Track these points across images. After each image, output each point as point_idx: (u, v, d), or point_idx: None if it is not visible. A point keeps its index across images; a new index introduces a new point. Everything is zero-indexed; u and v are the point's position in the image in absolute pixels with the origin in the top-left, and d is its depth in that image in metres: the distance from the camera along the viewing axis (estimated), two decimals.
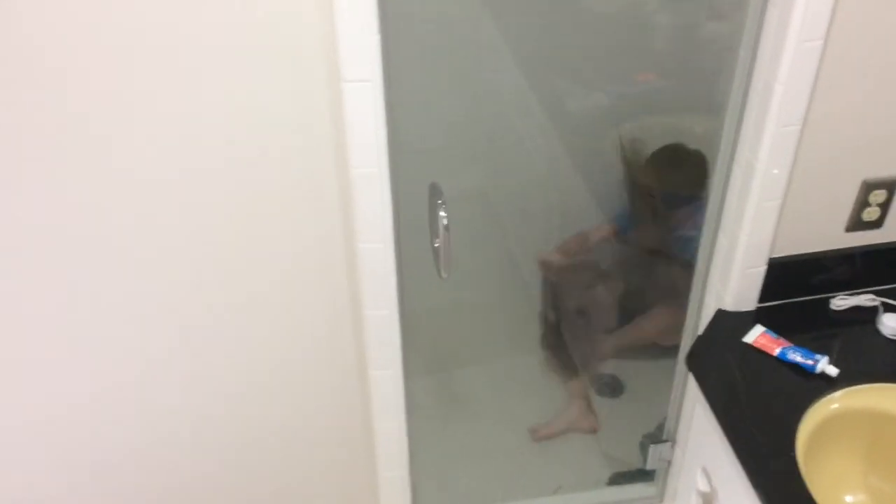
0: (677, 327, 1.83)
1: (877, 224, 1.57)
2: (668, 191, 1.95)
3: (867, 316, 1.59)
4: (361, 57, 1.22)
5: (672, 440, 1.91)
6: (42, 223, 1.29)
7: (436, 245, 1.49)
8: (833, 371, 1.46)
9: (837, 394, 1.45)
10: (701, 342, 1.62)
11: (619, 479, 2.11)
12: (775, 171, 1.45)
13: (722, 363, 1.53)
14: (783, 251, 1.57)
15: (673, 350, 1.85)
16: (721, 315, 1.62)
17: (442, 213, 1.43)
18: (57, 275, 1.34)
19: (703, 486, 1.65)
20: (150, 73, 1.19)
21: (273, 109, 1.27)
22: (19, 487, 1.55)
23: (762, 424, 1.40)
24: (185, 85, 1.22)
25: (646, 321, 2.07)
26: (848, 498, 1.48)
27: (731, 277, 1.58)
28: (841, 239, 1.58)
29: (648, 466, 1.98)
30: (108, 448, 1.57)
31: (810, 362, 1.47)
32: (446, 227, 1.44)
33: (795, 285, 1.62)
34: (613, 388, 2.26)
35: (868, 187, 1.52)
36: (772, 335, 1.55)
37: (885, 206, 1.55)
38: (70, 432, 1.52)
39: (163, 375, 1.51)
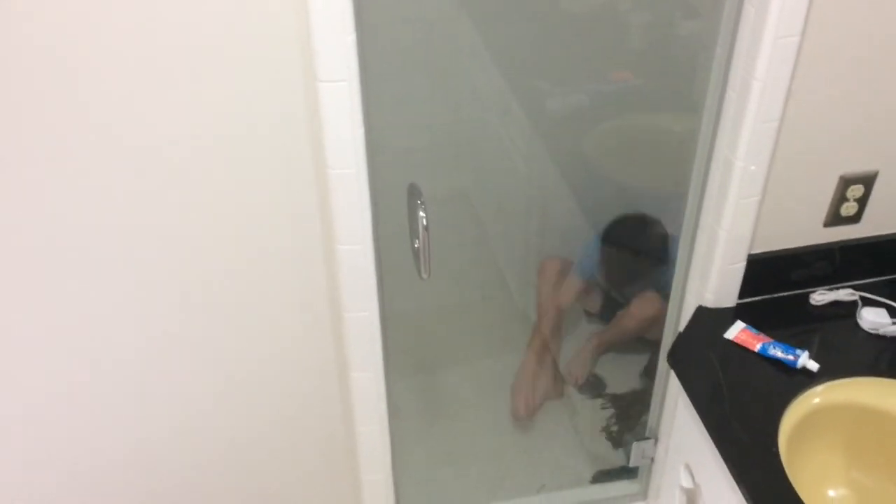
0: (659, 318, 1.84)
1: (855, 219, 1.58)
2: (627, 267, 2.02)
3: (847, 310, 1.60)
4: (337, 56, 1.20)
5: (655, 437, 1.91)
6: (20, 224, 1.27)
7: (416, 246, 1.48)
8: (814, 366, 1.47)
9: (819, 388, 1.45)
10: (682, 339, 1.62)
11: (602, 476, 2.11)
12: (753, 168, 1.45)
13: (703, 359, 1.54)
14: (762, 247, 1.57)
15: (654, 346, 1.85)
16: (701, 311, 1.62)
17: (421, 214, 1.42)
18: (34, 275, 1.32)
19: (686, 482, 1.65)
20: (122, 74, 1.18)
21: (249, 110, 1.26)
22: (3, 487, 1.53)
23: (744, 420, 1.40)
24: (157, 85, 1.20)
25: (627, 317, 2.07)
26: (831, 492, 1.49)
27: (710, 274, 1.58)
28: (820, 234, 1.59)
29: (631, 464, 1.98)
30: (85, 452, 1.54)
31: (791, 357, 1.48)
32: (426, 228, 1.43)
33: (775, 281, 1.62)
34: (595, 385, 2.26)
35: (845, 182, 1.53)
36: (752, 331, 1.55)
37: (862, 201, 1.56)
38: (46, 433, 1.50)
39: (139, 379, 1.49)
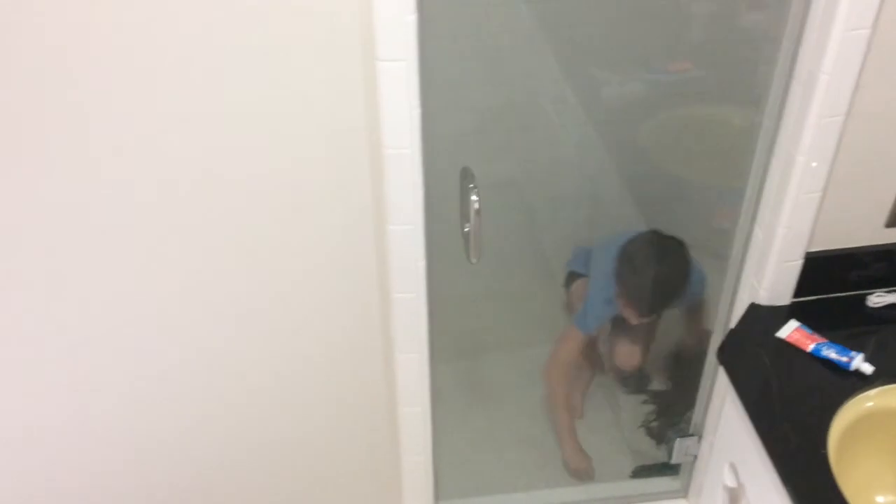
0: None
1: None
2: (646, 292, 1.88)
3: None
4: (397, 36, 1.20)
5: (699, 434, 1.88)
6: (61, 225, 1.30)
7: (466, 230, 1.47)
8: (868, 369, 1.43)
9: (872, 392, 1.42)
10: (733, 336, 1.60)
11: (643, 472, 2.09)
12: (815, 164, 1.42)
13: (754, 358, 1.51)
14: (820, 245, 1.54)
15: (702, 343, 1.82)
16: (754, 309, 1.59)
17: (473, 198, 1.42)
18: (84, 275, 1.35)
19: (730, 481, 1.63)
20: (185, 55, 1.19)
21: (306, 87, 1.26)
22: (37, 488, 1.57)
23: (794, 420, 1.38)
24: (215, 60, 1.21)
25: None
26: (879, 498, 1.45)
27: (766, 271, 1.55)
28: (881, 235, 1.55)
29: (674, 460, 1.96)
30: (133, 444, 1.58)
31: (845, 359, 1.44)
32: (477, 212, 1.42)
33: (832, 281, 1.58)
34: (639, 381, 2.24)
35: None
36: (806, 330, 1.52)
37: None
38: (98, 424, 1.54)
39: (193, 361, 1.52)
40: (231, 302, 1.47)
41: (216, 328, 1.50)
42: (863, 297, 1.59)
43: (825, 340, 1.49)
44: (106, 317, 1.43)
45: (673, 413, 2.10)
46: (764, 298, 1.58)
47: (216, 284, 1.44)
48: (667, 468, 2.02)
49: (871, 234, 1.55)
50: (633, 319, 1.86)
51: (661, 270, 1.83)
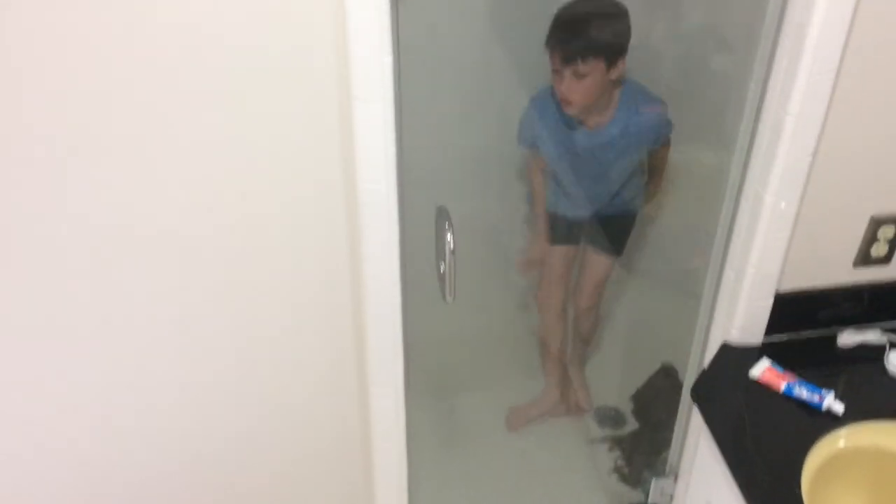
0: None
1: (885, 260, 1.57)
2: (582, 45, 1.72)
3: (875, 352, 1.58)
4: (373, 76, 1.21)
5: (675, 474, 1.88)
6: (43, 251, 1.28)
7: (441, 269, 1.48)
8: (839, 408, 1.44)
9: (843, 431, 1.43)
10: (706, 375, 1.61)
11: None
12: (783, 205, 1.44)
13: (728, 397, 1.51)
14: (791, 285, 1.56)
15: (676, 383, 1.83)
16: (726, 348, 1.60)
17: (449, 237, 1.42)
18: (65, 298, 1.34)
19: None
20: (159, 88, 1.19)
21: (282, 125, 1.27)
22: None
23: (767, 460, 1.38)
24: (192, 101, 1.21)
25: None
26: None
27: (737, 310, 1.56)
28: (849, 274, 1.57)
29: (650, 501, 1.95)
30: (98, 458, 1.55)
31: (817, 399, 1.45)
32: (453, 252, 1.43)
33: (802, 319, 1.60)
34: (616, 420, 2.24)
35: (876, 223, 1.52)
36: (778, 369, 1.53)
37: (893, 242, 1.54)
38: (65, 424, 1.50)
39: (168, 407, 1.49)
40: (203, 335, 1.45)
41: (193, 369, 1.48)
42: (833, 336, 1.61)
43: (797, 379, 1.50)
44: (73, 362, 1.41)
45: (643, 455, 2.09)
46: (736, 337, 1.60)
47: (193, 324, 1.43)
48: None
49: (841, 273, 1.57)
50: (560, 70, 1.74)
51: (587, 5, 1.77)
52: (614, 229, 2.11)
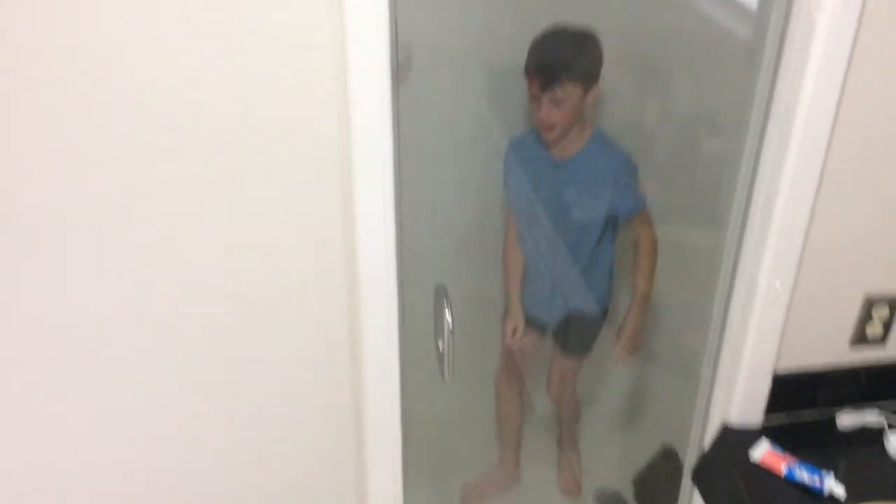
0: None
1: (881, 340, 1.57)
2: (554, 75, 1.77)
3: (874, 434, 1.56)
4: (373, 159, 1.24)
5: None
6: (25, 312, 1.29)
7: (440, 348, 1.47)
8: (840, 491, 1.42)
9: None
10: (707, 458, 1.59)
11: None
12: (778, 285, 1.46)
13: (729, 481, 1.49)
14: (788, 365, 1.56)
15: (676, 464, 1.81)
16: (726, 429, 1.59)
17: (448, 316, 1.42)
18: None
19: None
20: (159, 169, 1.21)
21: (284, 206, 1.29)
22: None
23: None
24: (191, 175, 1.23)
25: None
26: None
27: (735, 390, 1.56)
28: (845, 354, 1.58)
29: None
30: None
31: (817, 481, 1.44)
32: (451, 330, 1.43)
33: (801, 400, 1.60)
34: (616, 502, 2.19)
35: (870, 302, 1.53)
36: (778, 451, 1.52)
37: (888, 323, 1.55)
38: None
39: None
40: (199, 416, 1.44)
41: (191, 446, 1.46)
42: (832, 416, 1.60)
43: (797, 461, 1.48)
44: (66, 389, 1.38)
45: None
46: (735, 418, 1.58)
47: (191, 404, 1.41)
48: None
49: (837, 353, 1.58)
50: (538, 95, 1.79)
51: (565, 30, 1.82)
52: (580, 328, 2.09)
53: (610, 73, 1.78)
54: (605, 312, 2.08)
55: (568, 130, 1.82)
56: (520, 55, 1.75)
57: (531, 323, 2.08)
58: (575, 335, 2.11)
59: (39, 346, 1.29)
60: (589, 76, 1.78)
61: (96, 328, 1.30)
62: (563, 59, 1.76)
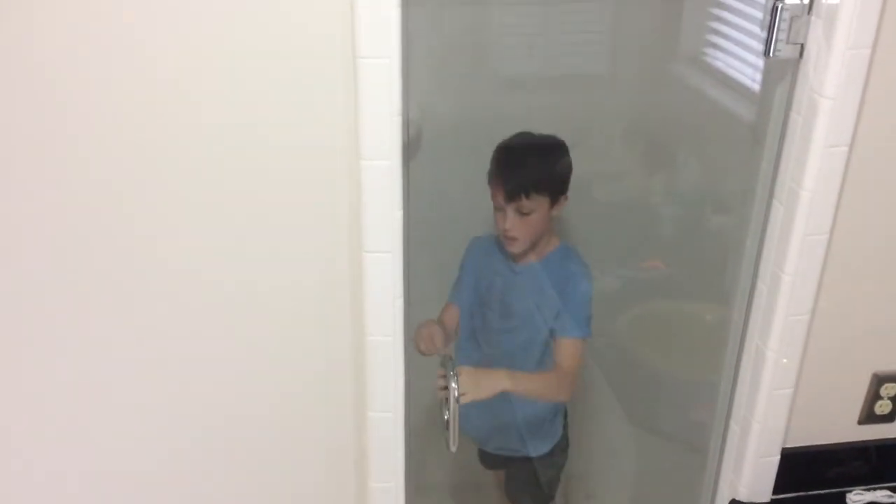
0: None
1: (889, 418, 1.56)
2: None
3: None
4: (383, 229, 1.27)
5: None
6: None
7: (445, 417, 1.47)
8: None
9: None
10: None
11: None
12: (785, 361, 1.46)
13: None
14: (797, 441, 1.54)
15: None
16: None
17: (454, 385, 1.43)
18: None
19: None
20: (162, 227, 1.24)
21: (295, 276, 1.31)
22: None
23: None
24: (208, 244, 1.26)
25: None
26: None
27: (744, 466, 1.54)
28: (854, 431, 1.56)
29: None
30: None
31: None
32: (457, 400, 1.43)
33: (810, 477, 1.58)
34: None
35: (879, 380, 1.52)
36: None
37: None
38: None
39: None
40: (203, 474, 1.43)
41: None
42: (842, 495, 1.58)
43: None
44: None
45: None
46: (744, 495, 1.57)
47: (194, 461, 1.41)
48: None
49: (846, 430, 1.56)
50: (503, 206, 1.66)
51: (532, 137, 1.70)
52: (516, 465, 1.91)
53: (619, 153, 1.78)
54: (551, 452, 1.86)
55: (534, 244, 1.71)
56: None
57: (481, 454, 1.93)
58: (510, 469, 1.94)
59: (38, 343, 1.29)
60: (557, 187, 1.67)
61: (94, 329, 1.30)
62: (530, 169, 1.66)
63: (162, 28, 1.12)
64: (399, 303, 1.33)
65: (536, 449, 1.86)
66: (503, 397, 1.62)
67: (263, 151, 1.21)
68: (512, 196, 1.63)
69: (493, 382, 1.59)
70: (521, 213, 1.63)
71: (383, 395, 1.38)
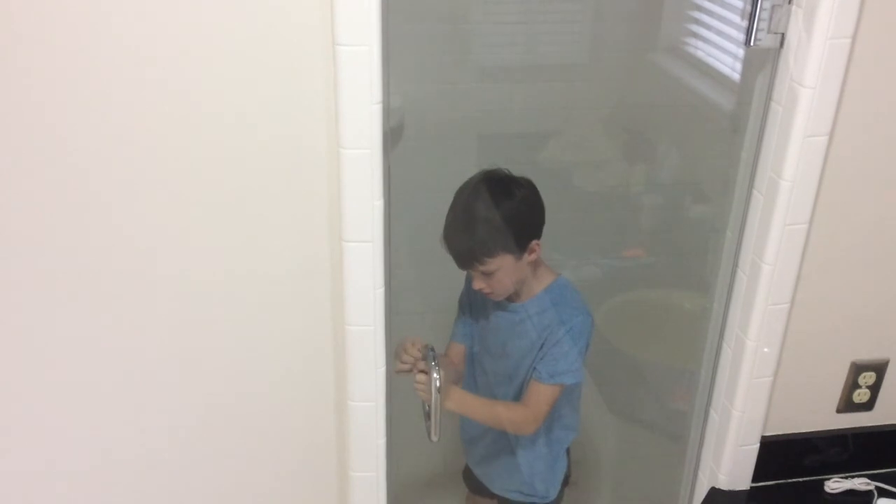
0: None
1: (867, 406, 1.58)
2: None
3: (862, 500, 1.56)
4: (363, 219, 1.26)
5: None
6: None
7: (426, 408, 1.47)
8: None
9: None
10: None
11: None
12: (766, 350, 1.47)
13: None
14: (776, 430, 1.56)
15: None
16: (715, 493, 1.58)
17: (435, 376, 1.43)
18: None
19: None
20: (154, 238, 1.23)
21: (275, 266, 1.30)
22: None
23: None
24: (189, 249, 1.25)
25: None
26: None
27: (724, 454, 1.55)
28: (833, 420, 1.58)
29: None
30: None
31: None
32: (439, 390, 1.43)
33: (789, 465, 1.59)
34: None
35: (857, 369, 1.54)
36: None
37: (874, 389, 1.56)
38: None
39: None
40: (181, 477, 1.43)
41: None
42: (821, 483, 1.59)
43: None
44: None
45: None
46: (724, 483, 1.58)
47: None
48: None
49: (824, 419, 1.58)
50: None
51: (478, 200, 1.51)
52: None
53: (600, 142, 1.78)
54: (537, 496, 1.75)
55: (515, 290, 1.58)
56: (509, 122, 1.74)
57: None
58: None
59: (36, 341, 1.29)
60: (515, 244, 1.50)
61: (91, 324, 1.30)
62: (474, 239, 1.49)
63: (132, 10, 1.10)
64: (380, 292, 1.32)
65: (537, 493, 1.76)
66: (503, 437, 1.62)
67: (242, 140, 1.20)
68: (464, 266, 1.54)
69: (457, 400, 1.55)
70: (486, 274, 1.52)
71: (364, 384, 1.38)
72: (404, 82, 1.32)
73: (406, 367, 1.51)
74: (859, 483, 1.58)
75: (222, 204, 1.24)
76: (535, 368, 1.58)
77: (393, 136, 1.29)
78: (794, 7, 1.26)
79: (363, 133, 1.19)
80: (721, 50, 1.94)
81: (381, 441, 1.44)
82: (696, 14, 2.08)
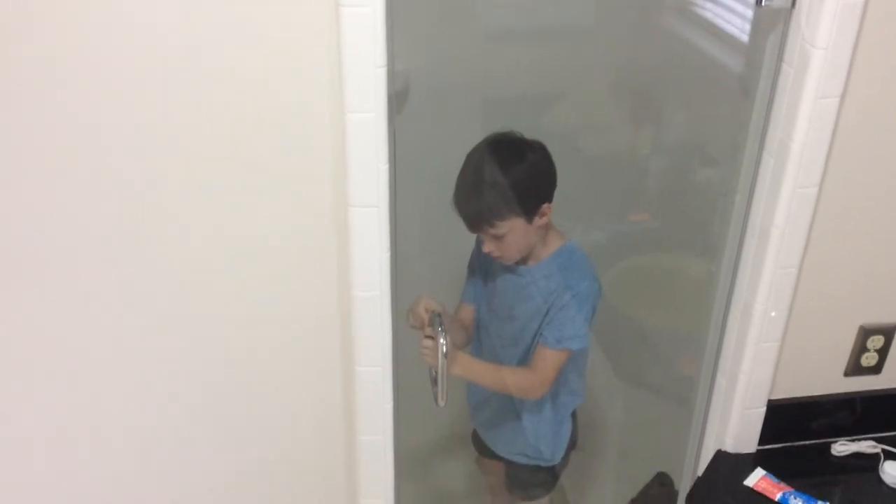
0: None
1: (875, 370, 1.57)
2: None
3: (869, 463, 1.56)
4: (369, 183, 1.25)
5: None
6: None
7: (433, 373, 1.48)
8: None
9: None
10: (701, 484, 1.59)
11: None
12: (773, 314, 1.46)
13: None
14: (783, 393, 1.56)
15: (672, 491, 1.80)
16: (721, 456, 1.59)
17: (442, 341, 1.43)
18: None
19: None
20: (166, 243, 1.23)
21: (281, 231, 1.29)
22: None
23: None
24: (198, 206, 1.24)
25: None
26: None
27: (730, 418, 1.56)
28: (840, 383, 1.58)
29: None
30: None
31: None
32: (445, 355, 1.43)
33: (796, 429, 1.60)
34: None
35: (865, 332, 1.53)
36: (773, 479, 1.51)
37: (882, 352, 1.56)
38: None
39: None
40: (190, 446, 1.44)
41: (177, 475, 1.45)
42: (827, 446, 1.60)
43: (791, 489, 1.48)
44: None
45: None
46: (730, 446, 1.58)
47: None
48: None
49: (831, 382, 1.58)
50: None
51: (490, 162, 1.51)
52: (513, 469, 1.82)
53: (607, 105, 1.74)
54: (542, 459, 1.75)
55: (524, 254, 1.58)
56: (515, 86, 1.69)
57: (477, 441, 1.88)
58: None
59: (36, 340, 1.30)
60: (525, 207, 1.49)
61: (91, 323, 1.31)
62: (485, 201, 1.48)
63: None
64: (386, 257, 1.32)
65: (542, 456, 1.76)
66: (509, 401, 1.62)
67: (245, 107, 1.19)
68: (474, 229, 1.53)
69: (463, 365, 1.54)
70: (496, 237, 1.51)
71: (371, 349, 1.38)
72: (409, 46, 1.30)
73: (416, 325, 1.52)
74: (866, 446, 1.58)
75: (227, 171, 1.23)
76: (541, 333, 1.58)
77: (398, 100, 1.27)
78: None
79: (368, 96, 1.18)
80: (730, 10, 1.91)
81: (388, 406, 1.44)
82: None
